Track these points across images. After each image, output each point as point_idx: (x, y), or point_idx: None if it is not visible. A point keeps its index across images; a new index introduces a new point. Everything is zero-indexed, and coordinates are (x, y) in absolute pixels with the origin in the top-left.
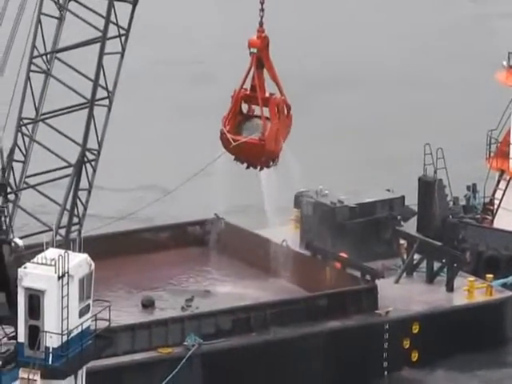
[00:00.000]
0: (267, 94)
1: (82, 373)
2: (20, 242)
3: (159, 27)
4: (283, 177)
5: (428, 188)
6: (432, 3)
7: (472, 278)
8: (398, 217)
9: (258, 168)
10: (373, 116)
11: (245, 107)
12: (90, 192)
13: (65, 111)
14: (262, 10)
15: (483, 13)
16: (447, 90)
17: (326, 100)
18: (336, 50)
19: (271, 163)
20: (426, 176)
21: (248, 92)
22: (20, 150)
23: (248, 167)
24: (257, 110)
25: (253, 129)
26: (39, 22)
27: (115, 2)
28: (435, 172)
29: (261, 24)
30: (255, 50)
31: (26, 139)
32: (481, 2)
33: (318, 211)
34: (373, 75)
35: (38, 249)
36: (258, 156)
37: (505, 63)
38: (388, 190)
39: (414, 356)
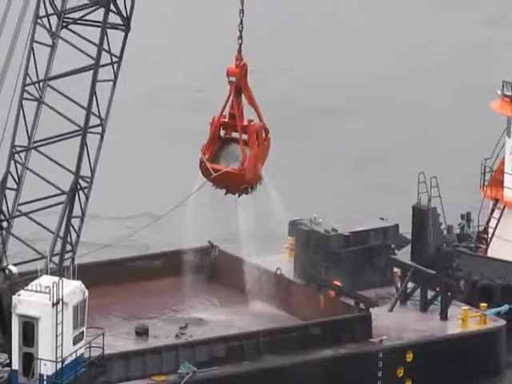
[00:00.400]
0: (245, 122)
1: None
2: (14, 270)
3: (153, 54)
4: (262, 205)
5: (422, 216)
6: (441, 27)
7: (466, 307)
8: (392, 245)
9: (237, 195)
10: (369, 143)
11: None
12: (82, 219)
13: (57, 139)
14: (241, 37)
15: (490, 38)
16: (442, 118)
17: (324, 127)
18: (338, 75)
19: (249, 190)
20: (420, 204)
21: (226, 119)
22: (13, 177)
23: (226, 193)
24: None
25: (231, 156)
26: (32, 49)
27: (108, 30)
28: (429, 200)
29: (239, 51)
30: (234, 79)
31: (19, 167)
32: (493, 25)
33: (312, 239)
34: (372, 102)
35: (32, 276)
36: (237, 184)
37: (499, 92)
38: (382, 219)
39: None
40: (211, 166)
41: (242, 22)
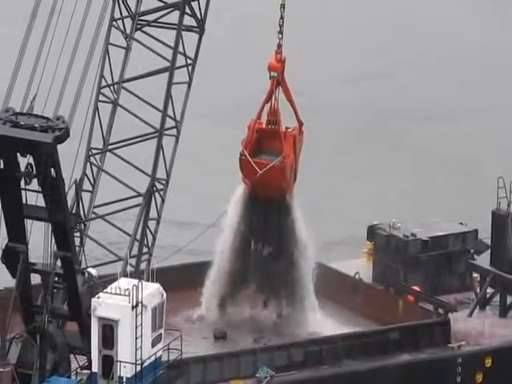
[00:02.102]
0: (283, 128)
1: None
2: (93, 272)
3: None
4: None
5: (501, 221)
6: None
7: None
8: (471, 250)
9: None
10: (453, 148)
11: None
12: (158, 222)
13: (133, 141)
14: (281, 32)
15: None
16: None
17: (414, 132)
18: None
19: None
20: (500, 210)
21: (263, 125)
22: (88, 179)
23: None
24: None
25: (271, 152)
26: (107, 52)
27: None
28: (509, 205)
29: (279, 46)
30: (275, 74)
31: (95, 169)
32: None
33: (391, 244)
34: (461, 106)
35: (111, 278)
36: (278, 181)
37: None
38: (461, 224)
39: None
40: (253, 160)
41: (282, 17)
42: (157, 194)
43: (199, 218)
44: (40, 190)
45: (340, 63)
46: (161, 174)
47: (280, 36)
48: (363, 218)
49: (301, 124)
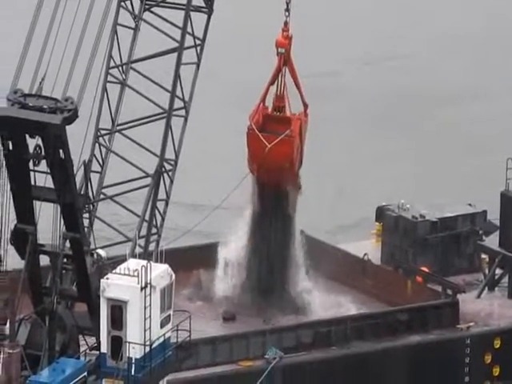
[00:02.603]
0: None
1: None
2: (103, 253)
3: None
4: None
5: (510, 203)
6: None
7: None
8: (480, 231)
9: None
10: (464, 131)
11: None
12: (167, 202)
13: (141, 122)
14: (288, 9)
15: None
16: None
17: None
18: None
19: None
20: (509, 191)
21: (269, 111)
22: (97, 160)
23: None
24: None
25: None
26: (115, 32)
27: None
28: None
29: (286, 23)
30: (283, 51)
31: (104, 150)
32: None
33: (400, 225)
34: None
35: (120, 259)
36: (285, 157)
37: None
38: (470, 205)
39: (496, 371)
40: (262, 135)
41: None
42: (165, 174)
43: (210, 199)
44: (49, 171)
45: (359, 45)
46: (170, 154)
47: (287, 14)
48: (374, 200)
49: (306, 106)
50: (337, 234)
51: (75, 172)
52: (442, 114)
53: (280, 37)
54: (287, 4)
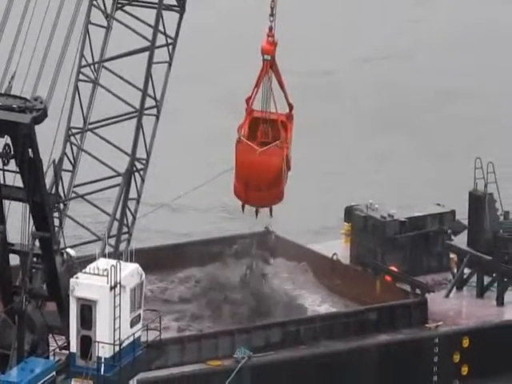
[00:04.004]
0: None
1: (134, 383)
2: (72, 252)
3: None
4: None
5: (478, 202)
6: None
7: None
8: (449, 231)
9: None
10: (428, 131)
11: None
12: (138, 201)
13: (113, 120)
14: (273, 14)
15: None
16: (500, 102)
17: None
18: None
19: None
20: (477, 190)
21: (257, 114)
22: (68, 159)
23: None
24: None
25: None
26: (87, 31)
27: (162, 12)
28: (486, 186)
29: (271, 29)
30: (269, 57)
31: (75, 149)
32: None
33: (369, 225)
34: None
35: (89, 259)
36: (276, 166)
37: None
38: (438, 205)
39: (465, 370)
40: (251, 143)
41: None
42: (137, 173)
43: (190, 201)
44: (18, 170)
45: (357, 43)
46: (143, 154)
47: (271, 19)
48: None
49: (291, 107)
50: (313, 234)
51: (45, 171)
52: (432, 113)
53: (265, 43)
54: (272, 9)
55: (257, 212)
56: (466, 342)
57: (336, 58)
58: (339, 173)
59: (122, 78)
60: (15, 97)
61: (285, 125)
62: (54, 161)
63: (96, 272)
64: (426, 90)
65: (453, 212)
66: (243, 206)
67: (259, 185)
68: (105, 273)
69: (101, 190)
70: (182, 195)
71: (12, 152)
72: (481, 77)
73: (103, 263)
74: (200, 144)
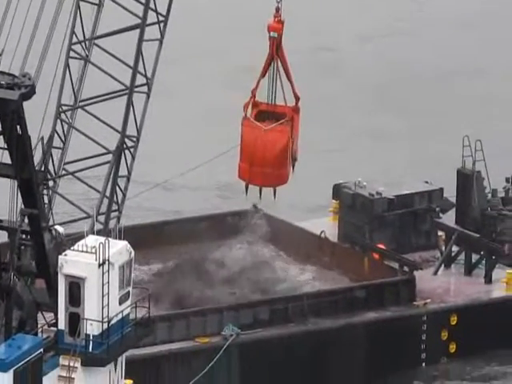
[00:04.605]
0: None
1: (122, 360)
2: (61, 230)
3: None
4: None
5: (466, 180)
6: None
7: (510, 270)
8: (437, 209)
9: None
10: (416, 108)
11: None
12: (129, 179)
13: (104, 98)
14: None
15: None
16: (489, 80)
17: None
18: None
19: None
20: (465, 168)
21: (261, 106)
22: (59, 136)
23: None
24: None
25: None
26: (78, 8)
27: None
28: (474, 164)
29: (277, 10)
30: (276, 35)
31: (65, 126)
32: None
33: (357, 202)
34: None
35: (78, 236)
36: (283, 143)
37: None
38: (426, 182)
39: (452, 347)
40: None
41: None
42: (127, 151)
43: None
44: (6, 147)
45: (361, 20)
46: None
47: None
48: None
49: (297, 99)
50: (302, 212)
51: (34, 148)
52: (432, 91)
53: (272, 21)
54: None
55: (260, 191)
56: (453, 320)
57: (339, 35)
58: (332, 150)
59: (113, 55)
60: (3, 73)
61: (291, 117)
62: (42, 138)
63: (84, 249)
64: (428, 68)
65: (441, 190)
66: (247, 187)
67: (264, 161)
68: (93, 250)
69: (91, 167)
70: (184, 172)
71: (0, 128)
72: (486, 55)
73: (92, 240)
74: (199, 122)
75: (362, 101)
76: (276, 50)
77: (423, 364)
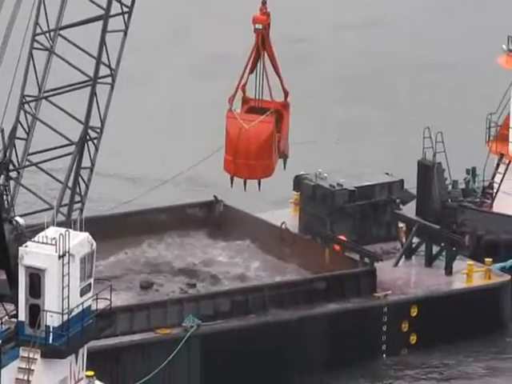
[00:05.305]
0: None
1: (83, 352)
2: (21, 221)
3: None
4: None
5: (427, 172)
6: None
7: (471, 262)
8: (397, 200)
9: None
10: (378, 98)
11: None
12: (92, 170)
13: (67, 89)
14: None
15: None
16: (449, 72)
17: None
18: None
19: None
20: (425, 160)
21: (251, 102)
22: (23, 127)
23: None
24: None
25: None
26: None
27: None
28: (434, 155)
29: (264, 2)
30: (260, 27)
31: (29, 117)
32: None
33: (318, 194)
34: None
35: (39, 227)
36: (264, 131)
37: (504, 47)
38: (387, 174)
39: (413, 339)
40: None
41: None
42: (90, 142)
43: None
44: None
45: (337, 10)
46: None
47: None
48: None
49: (286, 93)
50: (265, 203)
51: None
52: (405, 82)
53: (257, 13)
54: None
55: (245, 183)
56: (414, 311)
57: (313, 26)
58: (298, 142)
59: (77, 46)
60: None
61: (280, 113)
62: (2, 129)
63: (45, 241)
64: (403, 59)
65: (401, 181)
66: (232, 180)
67: (248, 153)
68: (53, 242)
69: (54, 158)
70: (179, 174)
71: None
72: (463, 45)
73: (52, 232)
74: (173, 113)
75: (332, 92)
76: (262, 42)
77: (384, 355)
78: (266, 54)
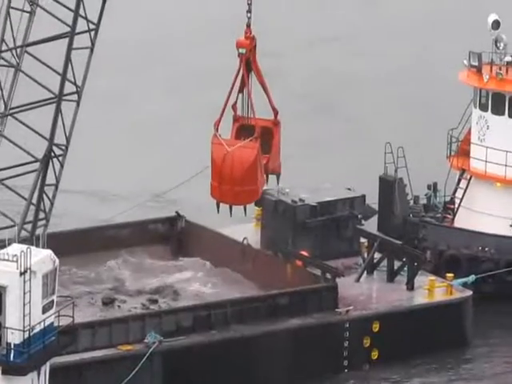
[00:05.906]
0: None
1: (46, 369)
2: None
3: None
4: None
5: (388, 187)
6: None
7: (432, 277)
8: (359, 215)
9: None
10: (339, 114)
11: None
12: (57, 187)
13: (33, 106)
14: (250, 11)
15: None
16: (410, 87)
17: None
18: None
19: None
20: (387, 175)
21: (241, 120)
22: None
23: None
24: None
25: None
26: (8, 15)
27: None
28: (396, 171)
29: (248, 25)
30: (244, 51)
31: None
32: None
33: (279, 209)
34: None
35: (1, 244)
36: (248, 157)
37: (465, 62)
38: (349, 189)
39: (375, 355)
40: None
41: None
42: (55, 159)
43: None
44: None
45: (303, 26)
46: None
47: (249, 15)
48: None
49: (275, 112)
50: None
51: None
52: (367, 98)
53: (241, 38)
54: (249, 5)
55: (231, 209)
56: (376, 327)
57: (287, 40)
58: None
59: (43, 62)
60: None
61: (270, 131)
62: None
63: (6, 258)
64: (366, 74)
65: (363, 197)
66: (218, 205)
67: (232, 179)
68: (15, 258)
69: (19, 175)
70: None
71: None
72: (425, 60)
73: (14, 249)
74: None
75: (294, 107)
76: (246, 66)
77: (345, 370)
78: (253, 74)
